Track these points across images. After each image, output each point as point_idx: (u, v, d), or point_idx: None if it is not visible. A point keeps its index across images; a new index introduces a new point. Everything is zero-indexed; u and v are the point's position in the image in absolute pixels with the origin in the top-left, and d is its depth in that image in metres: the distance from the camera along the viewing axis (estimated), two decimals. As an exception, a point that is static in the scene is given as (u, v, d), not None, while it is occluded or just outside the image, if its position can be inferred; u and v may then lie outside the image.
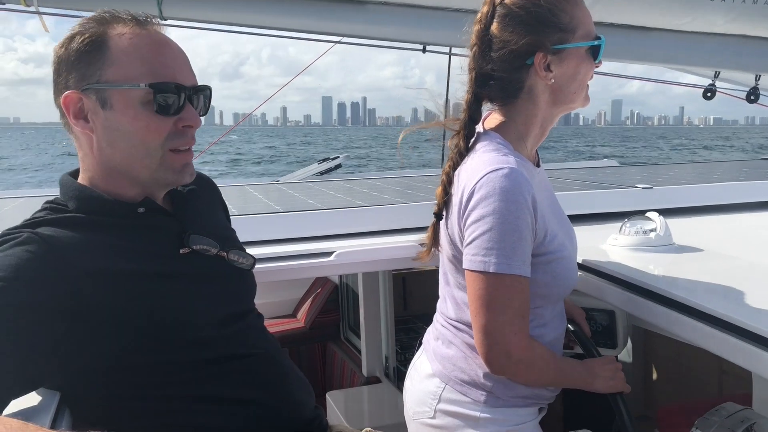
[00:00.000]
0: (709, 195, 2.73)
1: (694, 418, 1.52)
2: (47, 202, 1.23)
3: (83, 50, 1.17)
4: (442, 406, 1.50)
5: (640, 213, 2.00)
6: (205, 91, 1.25)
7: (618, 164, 5.26)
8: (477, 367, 1.47)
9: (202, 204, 1.37)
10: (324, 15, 2.55)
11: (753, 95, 2.99)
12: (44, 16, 2.55)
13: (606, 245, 1.93)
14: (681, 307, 1.41)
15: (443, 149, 5.95)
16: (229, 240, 1.37)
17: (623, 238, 1.91)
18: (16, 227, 1.13)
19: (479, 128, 1.52)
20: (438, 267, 1.62)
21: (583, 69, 1.43)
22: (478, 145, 1.46)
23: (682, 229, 2.00)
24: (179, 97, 1.18)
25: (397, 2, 2.53)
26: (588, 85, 1.48)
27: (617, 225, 1.99)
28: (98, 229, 1.17)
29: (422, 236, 1.64)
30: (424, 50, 2.78)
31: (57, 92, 1.20)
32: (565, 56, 1.41)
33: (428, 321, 1.69)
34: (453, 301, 1.52)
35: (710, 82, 3.00)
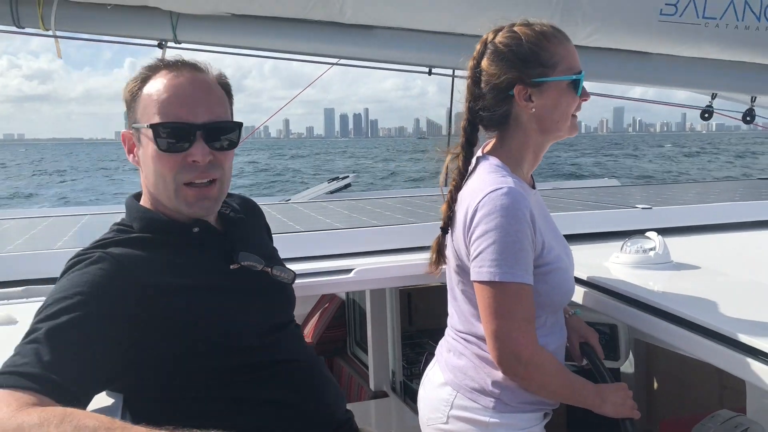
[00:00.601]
0: (706, 215, 2.79)
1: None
2: (115, 224, 1.36)
3: (131, 93, 1.33)
4: (455, 412, 1.59)
5: (640, 232, 2.09)
6: (225, 126, 1.32)
7: (619, 183, 5.33)
8: (486, 376, 1.57)
9: (248, 225, 1.49)
10: (335, 39, 2.65)
11: (749, 116, 3.07)
12: (60, 42, 2.66)
13: (608, 263, 2.01)
14: (678, 320, 1.49)
15: (446, 165, 6.06)
16: (272, 257, 1.49)
17: (624, 257, 1.99)
18: (88, 248, 1.26)
19: (479, 153, 1.65)
20: (442, 283, 1.74)
21: (564, 101, 1.56)
22: (479, 168, 1.60)
23: (679, 247, 2.07)
24: (184, 134, 1.28)
25: (404, 27, 2.62)
26: (575, 115, 1.61)
27: (618, 244, 2.07)
28: (159, 248, 1.28)
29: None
30: (429, 72, 2.87)
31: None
32: (545, 89, 1.55)
33: (433, 336, 1.77)
34: (461, 315, 1.63)
35: (708, 102, 3.08)
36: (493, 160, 1.59)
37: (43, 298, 1.16)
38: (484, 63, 1.60)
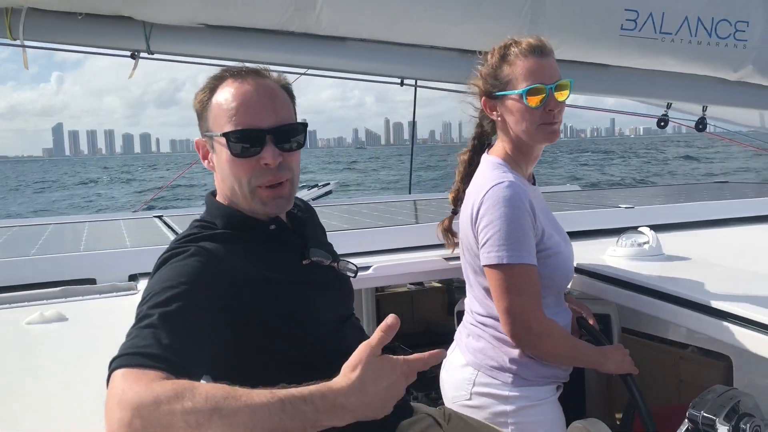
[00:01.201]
0: (685, 213, 3.02)
1: (657, 422, 1.75)
2: (197, 221, 1.42)
3: (201, 103, 1.40)
4: (477, 389, 1.79)
5: (630, 229, 2.31)
6: (291, 128, 1.39)
7: (579, 188, 5.55)
8: (504, 355, 1.75)
9: (311, 224, 1.58)
10: (309, 50, 2.68)
11: (701, 124, 3.25)
12: (27, 52, 2.62)
13: (605, 256, 2.22)
14: (674, 299, 1.72)
15: (410, 173, 6.15)
16: (334, 252, 1.56)
17: (621, 250, 2.20)
18: (181, 243, 1.31)
19: (485, 153, 1.88)
20: (409, 288, 1.92)
21: (519, 111, 1.75)
22: (482, 166, 1.83)
23: (667, 241, 2.27)
24: (255, 139, 1.34)
25: (378, 39, 2.68)
26: (550, 123, 1.76)
27: (610, 239, 2.29)
28: (241, 243, 1.35)
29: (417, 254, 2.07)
30: (401, 84, 2.94)
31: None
32: (505, 101, 1.78)
33: (400, 339, 1.93)
34: (477, 301, 1.82)
35: (663, 112, 3.24)
36: (495, 159, 1.82)
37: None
38: (478, 81, 1.87)
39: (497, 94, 1.78)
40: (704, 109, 3.18)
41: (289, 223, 1.51)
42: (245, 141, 1.33)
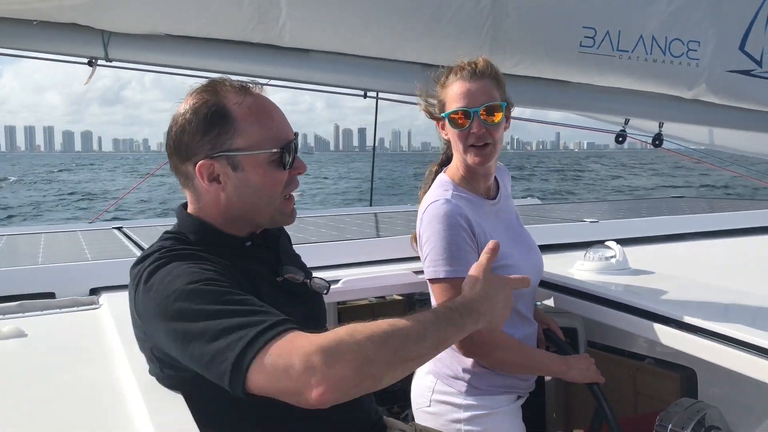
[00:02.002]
0: (647, 227, 3.08)
1: None
2: (168, 233, 1.40)
3: (211, 122, 1.32)
4: (436, 396, 1.86)
5: (595, 243, 2.36)
6: (297, 138, 1.41)
7: (540, 201, 5.64)
8: (458, 364, 1.81)
9: (283, 238, 1.57)
10: (272, 61, 2.67)
11: (657, 140, 3.32)
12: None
13: (573, 269, 2.25)
14: (639, 312, 1.78)
15: (371, 186, 6.17)
16: (305, 268, 1.57)
17: (588, 264, 2.23)
18: (164, 252, 1.30)
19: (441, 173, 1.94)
20: (370, 301, 1.93)
21: (452, 134, 1.85)
22: (432, 185, 1.91)
23: (632, 255, 2.30)
24: (293, 150, 1.38)
25: (341, 52, 2.67)
26: (476, 146, 1.83)
27: (577, 253, 2.33)
28: (217, 258, 1.33)
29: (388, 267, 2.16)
30: (365, 96, 2.95)
31: (183, 158, 1.36)
32: (444, 122, 1.87)
33: None
34: None
35: (621, 127, 3.31)
36: (443, 177, 1.90)
37: None
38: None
39: (442, 115, 1.88)
40: (660, 126, 3.25)
41: (261, 238, 1.51)
42: (289, 154, 1.37)
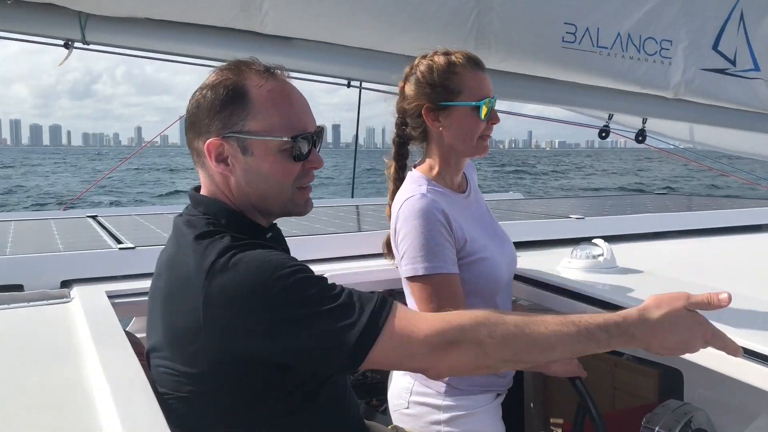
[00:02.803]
0: (635, 224, 3.07)
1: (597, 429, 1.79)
2: (204, 216, 1.34)
3: (226, 100, 1.29)
4: (414, 398, 1.83)
5: (581, 240, 2.34)
6: (322, 132, 1.38)
7: (522, 196, 5.62)
8: None
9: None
10: (254, 49, 2.61)
11: (641, 136, 3.34)
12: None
13: (560, 267, 2.22)
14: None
15: (353, 178, 6.13)
16: None
17: (575, 262, 2.21)
18: (232, 243, 1.23)
19: (411, 170, 1.89)
20: None
21: (467, 124, 1.78)
22: (405, 181, 1.86)
23: (619, 253, 2.29)
24: (308, 144, 1.33)
25: (325, 41, 2.64)
26: (485, 136, 1.82)
27: (562, 249, 2.31)
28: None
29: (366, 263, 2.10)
30: (348, 85, 2.91)
31: (196, 134, 1.33)
32: (451, 112, 1.78)
33: None
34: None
35: (605, 122, 3.32)
36: (415, 173, 1.85)
37: None
38: (407, 86, 1.86)
39: (443, 104, 1.78)
40: (644, 122, 3.27)
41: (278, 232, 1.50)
42: (304, 145, 1.33)
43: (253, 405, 1.23)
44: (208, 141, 1.30)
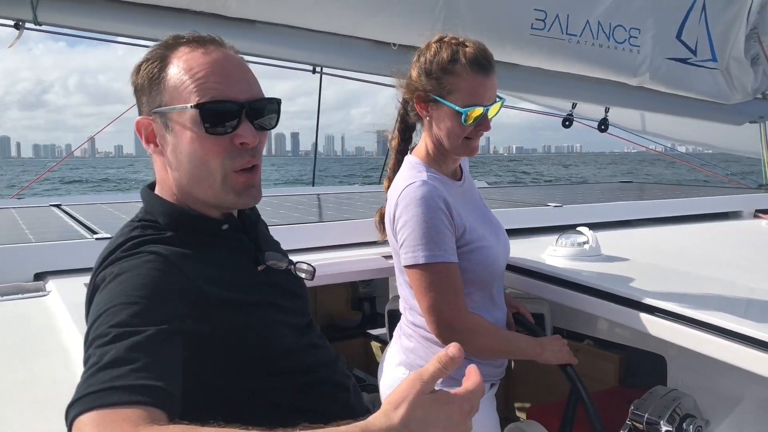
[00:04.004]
0: (611, 212, 3.08)
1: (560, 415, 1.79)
2: (137, 220, 1.20)
3: (148, 76, 1.16)
4: None
5: (563, 228, 2.36)
6: (271, 104, 1.20)
7: (487, 185, 5.61)
8: (433, 355, 1.68)
9: (260, 222, 1.37)
10: (214, 31, 2.51)
11: (603, 125, 3.38)
12: None
13: (545, 255, 2.19)
14: (610, 297, 1.76)
15: (314, 165, 6.03)
16: (286, 254, 1.37)
17: (561, 249, 2.19)
18: (125, 249, 1.10)
19: (408, 155, 1.85)
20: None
21: (450, 123, 1.73)
22: (402, 167, 1.81)
23: (602, 241, 2.27)
24: (231, 113, 1.14)
25: (290, 24, 2.58)
26: (470, 138, 1.75)
27: (544, 237, 2.31)
28: (191, 246, 1.15)
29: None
30: (314, 71, 2.86)
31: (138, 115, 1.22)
32: (440, 106, 1.74)
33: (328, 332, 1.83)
34: (407, 302, 1.81)
35: (568, 112, 3.34)
36: (413, 159, 1.81)
37: None
38: (414, 68, 1.80)
39: (435, 98, 1.74)
40: (606, 111, 3.31)
41: (239, 221, 1.32)
42: (220, 115, 1.13)
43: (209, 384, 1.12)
44: (136, 120, 1.19)
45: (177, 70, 1.14)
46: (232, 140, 1.14)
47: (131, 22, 2.47)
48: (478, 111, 1.69)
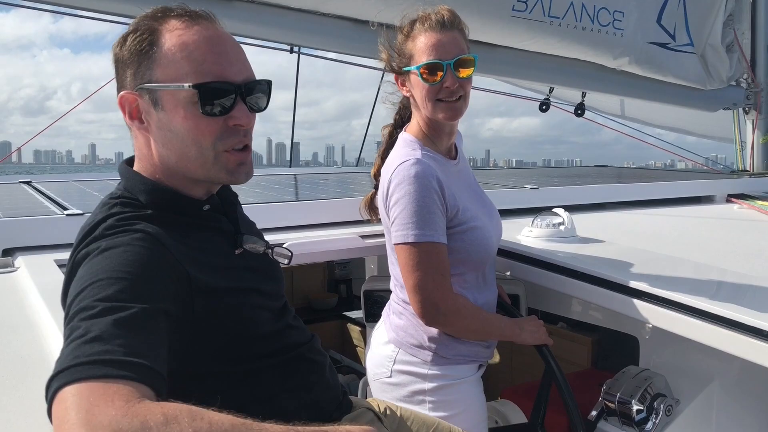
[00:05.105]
0: (586, 195, 3.11)
1: (536, 394, 1.81)
2: (117, 197, 1.16)
3: (136, 49, 1.11)
4: (397, 366, 1.76)
5: (540, 209, 2.34)
6: (261, 85, 1.18)
7: None
8: (423, 333, 1.73)
9: (236, 201, 1.35)
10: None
11: (579, 110, 3.39)
12: None
13: (521, 236, 2.21)
14: (585, 278, 1.78)
15: (291, 144, 5.98)
16: (262, 237, 1.36)
17: (537, 230, 2.21)
18: (108, 226, 1.07)
19: (402, 132, 1.84)
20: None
21: (418, 87, 1.74)
22: (396, 144, 1.79)
23: (577, 223, 2.30)
24: (227, 95, 1.13)
25: (265, 2, 2.53)
26: (442, 100, 1.73)
27: (522, 219, 2.31)
28: (172, 226, 1.13)
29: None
30: (291, 51, 2.81)
31: (118, 90, 1.15)
32: (410, 76, 1.75)
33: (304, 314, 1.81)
34: (397, 279, 1.79)
35: (545, 96, 3.35)
36: (407, 136, 1.79)
37: None
38: (383, 54, 1.81)
39: (404, 69, 1.75)
40: (583, 96, 3.32)
41: (220, 202, 1.30)
42: (218, 95, 1.12)
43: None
44: (119, 95, 1.15)
45: (171, 47, 1.11)
46: (226, 121, 1.14)
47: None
48: (435, 65, 1.67)
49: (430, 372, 1.73)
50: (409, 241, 1.63)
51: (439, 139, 1.78)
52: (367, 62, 3.01)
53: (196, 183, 1.20)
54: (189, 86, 1.10)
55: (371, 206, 1.99)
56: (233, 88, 1.13)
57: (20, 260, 1.83)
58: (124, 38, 1.13)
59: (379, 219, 1.88)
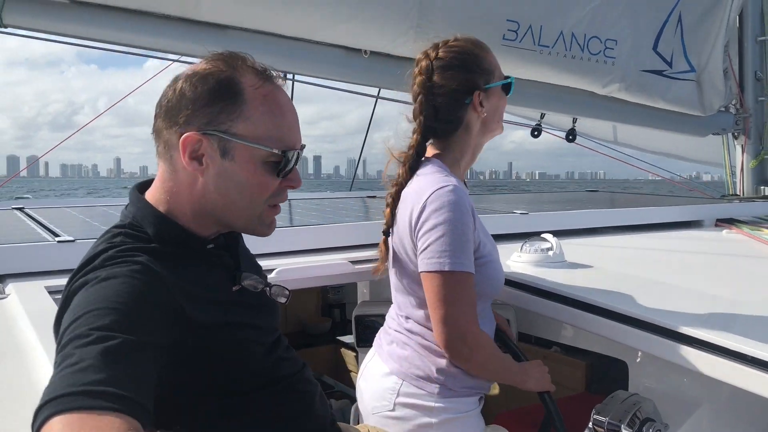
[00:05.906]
0: (579, 220, 3.13)
1: (529, 420, 1.79)
2: (124, 227, 1.18)
3: (217, 94, 1.14)
4: (401, 399, 1.69)
5: (529, 234, 2.37)
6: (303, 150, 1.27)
7: None
8: (431, 364, 1.67)
9: (239, 236, 1.38)
10: (185, 36, 2.52)
11: (571, 135, 3.43)
12: None
13: (510, 261, 2.22)
14: (574, 303, 1.78)
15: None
16: (262, 273, 1.39)
17: (525, 256, 2.21)
18: (109, 257, 1.08)
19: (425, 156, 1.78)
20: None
21: (502, 103, 1.77)
22: (422, 170, 1.72)
23: (566, 248, 2.31)
24: (295, 161, 1.21)
25: (261, 30, 2.57)
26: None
27: (511, 244, 2.30)
28: (174, 260, 1.14)
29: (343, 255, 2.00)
30: (285, 77, 2.83)
31: (171, 123, 1.16)
32: (491, 93, 1.74)
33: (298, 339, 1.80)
34: (405, 308, 1.75)
35: (537, 122, 3.39)
36: (436, 162, 1.73)
37: None
38: (437, 77, 1.71)
39: (488, 86, 1.72)
40: (574, 121, 3.36)
41: (224, 241, 1.33)
42: (289, 161, 1.20)
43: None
44: (185, 134, 1.14)
45: (258, 106, 1.16)
46: (281, 182, 1.21)
47: (98, 26, 2.44)
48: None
49: (437, 405, 1.67)
50: (445, 269, 1.57)
51: (461, 168, 1.78)
52: (358, 89, 3.06)
53: (218, 226, 1.24)
54: (279, 151, 1.17)
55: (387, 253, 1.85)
56: (297, 154, 1.22)
57: (11, 287, 1.83)
58: (202, 77, 1.15)
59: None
